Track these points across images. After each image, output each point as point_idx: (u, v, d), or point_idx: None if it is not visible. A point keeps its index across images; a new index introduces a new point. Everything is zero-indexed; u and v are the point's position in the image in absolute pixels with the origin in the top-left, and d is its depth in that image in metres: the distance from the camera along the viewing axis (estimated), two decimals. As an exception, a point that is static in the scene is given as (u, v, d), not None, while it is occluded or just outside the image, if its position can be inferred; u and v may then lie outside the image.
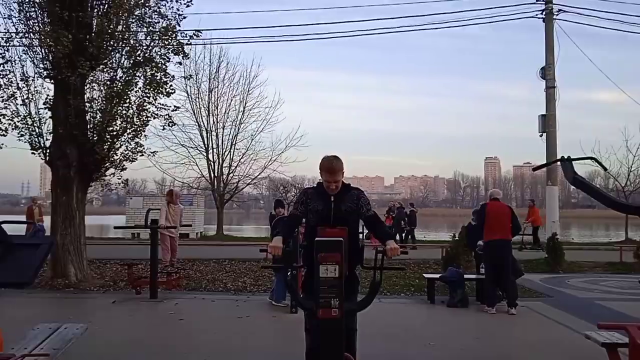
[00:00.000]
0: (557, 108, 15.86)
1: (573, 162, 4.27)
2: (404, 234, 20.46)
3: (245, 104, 26.79)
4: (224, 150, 26.95)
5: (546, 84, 15.80)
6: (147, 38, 10.63)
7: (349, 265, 3.95)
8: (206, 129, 26.63)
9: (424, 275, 10.04)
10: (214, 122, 26.74)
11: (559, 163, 4.38)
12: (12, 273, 3.66)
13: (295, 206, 4.23)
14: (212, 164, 26.82)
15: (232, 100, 26.79)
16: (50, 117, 10.52)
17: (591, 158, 4.50)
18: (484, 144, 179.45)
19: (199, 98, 26.48)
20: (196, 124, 26.52)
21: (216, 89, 26.71)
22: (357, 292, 4.14)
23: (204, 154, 26.73)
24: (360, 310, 3.91)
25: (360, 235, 5.19)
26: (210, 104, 26.65)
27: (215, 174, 26.82)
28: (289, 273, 4.03)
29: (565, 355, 5.77)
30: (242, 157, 27.02)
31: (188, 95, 25.94)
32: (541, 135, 15.86)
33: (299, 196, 4.30)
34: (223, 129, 26.86)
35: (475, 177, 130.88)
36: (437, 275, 9.47)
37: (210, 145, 26.78)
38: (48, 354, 3.94)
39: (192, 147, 26.52)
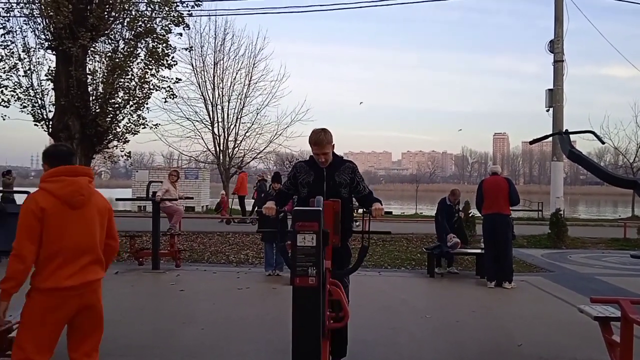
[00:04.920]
0: (565, 83, 15.58)
1: (570, 135, 4.21)
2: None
3: (251, 77, 26.59)
4: (230, 124, 26.87)
5: (554, 58, 15.50)
6: (148, 8, 10.53)
7: (341, 237, 3.97)
8: (211, 103, 26.50)
9: (425, 249, 10.07)
10: (219, 96, 26.59)
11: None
12: (5, 241, 3.69)
13: (284, 182, 4.28)
14: (217, 137, 26.78)
15: (237, 73, 26.56)
16: (52, 89, 10.52)
17: (589, 131, 4.42)
18: (493, 119, 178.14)
19: (204, 71, 26.29)
20: (201, 97, 26.40)
21: (221, 61, 26.48)
22: (348, 263, 4.17)
23: (210, 127, 26.68)
24: (348, 274, 3.99)
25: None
26: (216, 77, 26.45)
27: (221, 148, 26.81)
28: (281, 243, 4.07)
29: (561, 329, 5.79)
30: (247, 131, 26.94)
31: (193, 68, 25.77)
32: (548, 110, 15.64)
33: (289, 172, 4.31)
34: (228, 103, 26.72)
35: (483, 152, 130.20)
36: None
37: (215, 118, 26.70)
38: (43, 321, 3.99)
39: (197, 121, 26.45)
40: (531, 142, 4.53)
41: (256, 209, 19.43)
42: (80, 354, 3.12)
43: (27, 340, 2.93)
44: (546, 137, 4.50)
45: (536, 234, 14.24)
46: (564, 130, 4.25)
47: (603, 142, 4.73)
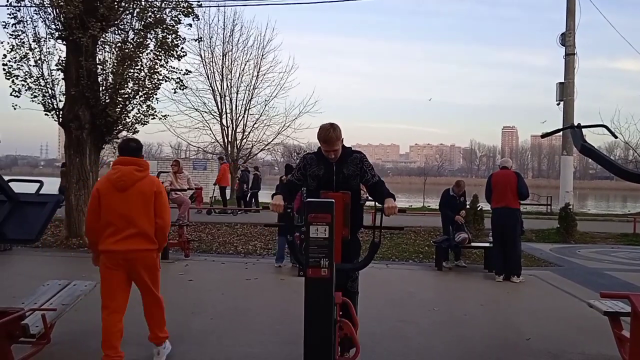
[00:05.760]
0: (576, 76, 15.50)
1: (583, 129, 4.18)
2: (247, 197, 19.99)
3: (259, 68, 26.58)
4: (238, 115, 26.91)
5: (565, 51, 15.39)
6: (157, -1, 10.54)
7: (351, 229, 3.96)
8: (220, 94, 26.56)
9: (433, 242, 10.06)
10: (227, 87, 26.64)
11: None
12: (19, 230, 3.73)
13: (293, 172, 4.23)
14: (225, 129, 26.84)
15: (245, 64, 26.60)
16: (62, 79, 10.57)
17: (602, 125, 4.39)
18: (502, 112, 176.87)
19: (212, 62, 26.32)
20: (210, 88, 26.44)
21: (230, 52, 26.50)
22: (359, 255, 4.16)
23: (218, 118, 26.74)
24: (358, 270, 3.96)
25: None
26: (224, 68, 26.48)
27: (229, 139, 26.86)
28: (290, 237, 4.03)
29: (570, 323, 5.78)
30: (255, 123, 26.98)
31: (202, 59, 25.81)
32: (558, 104, 15.55)
33: (298, 163, 4.27)
34: (237, 94, 26.77)
35: (491, 146, 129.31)
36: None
37: (224, 110, 26.75)
38: (55, 308, 4.04)
39: (206, 112, 26.53)
40: (543, 136, 4.50)
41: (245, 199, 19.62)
42: (145, 308, 4.17)
43: (102, 290, 3.96)
44: (558, 130, 4.48)
45: (545, 229, 14.18)
46: (576, 124, 4.22)
47: (616, 137, 4.70)
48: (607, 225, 16.48)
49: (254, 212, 17.79)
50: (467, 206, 10.04)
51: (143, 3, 10.60)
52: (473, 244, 9.30)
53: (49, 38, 10.52)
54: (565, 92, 15.38)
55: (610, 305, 4.62)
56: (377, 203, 4.02)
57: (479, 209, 11.66)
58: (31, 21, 10.43)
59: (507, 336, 5.33)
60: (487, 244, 9.05)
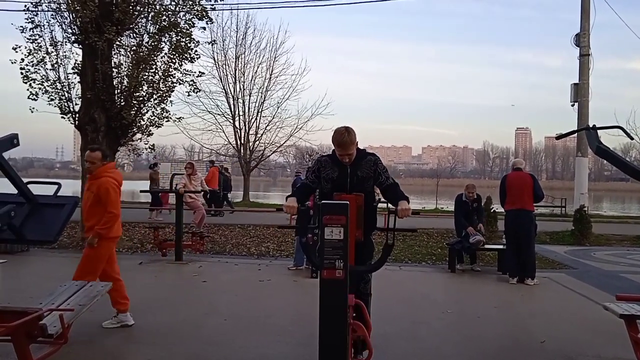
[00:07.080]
0: (591, 77, 15.33)
1: (599, 130, 4.16)
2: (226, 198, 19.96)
3: (272, 71, 26.67)
4: (251, 117, 27.02)
5: (580, 52, 15.24)
6: (172, 3, 10.64)
7: (365, 231, 3.97)
8: (233, 96, 26.68)
9: (446, 243, 10.02)
10: (240, 89, 26.75)
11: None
12: (38, 231, 3.80)
13: (307, 175, 4.24)
14: (238, 131, 26.96)
15: (258, 67, 26.69)
16: (78, 82, 10.70)
17: (617, 127, 4.37)
18: (515, 113, 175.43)
19: (225, 65, 26.44)
20: (223, 90, 26.57)
21: (243, 55, 26.61)
22: (372, 257, 4.17)
23: (231, 121, 26.86)
24: (371, 272, 3.96)
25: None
26: (237, 70, 26.61)
27: (242, 141, 26.98)
28: (303, 238, 4.06)
29: (585, 326, 5.73)
30: (268, 125, 27.07)
31: (215, 61, 25.94)
32: (573, 105, 15.41)
33: (312, 165, 4.28)
34: (250, 96, 26.87)
35: (505, 147, 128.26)
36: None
37: (237, 112, 26.87)
38: (73, 309, 4.10)
39: (219, 114, 26.66)
40: (557, 137, 4.49)
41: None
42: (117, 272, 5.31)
43: (112, 267, 5.20)
44: (573, 132, 4.46)
45: (559, 231, 14.05)
46: (591, 126, 4.20)
47: (632, 138, 4.69)
48: (622, 228, 16.28)
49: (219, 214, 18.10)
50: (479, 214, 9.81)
51: (158, 7, 10.71)
52: (487, 246, 9.24)
53: (66, 42, 10.66)
54: (579, 93, 15.22)
55: (626, 308, 4.57)
56: (390, 205, 4.03)
57: (492, 210, 11.61)
58: (48, 25, 10.57)
59: (521, 338, 5.30)
60: (500, 246, 9.00)
